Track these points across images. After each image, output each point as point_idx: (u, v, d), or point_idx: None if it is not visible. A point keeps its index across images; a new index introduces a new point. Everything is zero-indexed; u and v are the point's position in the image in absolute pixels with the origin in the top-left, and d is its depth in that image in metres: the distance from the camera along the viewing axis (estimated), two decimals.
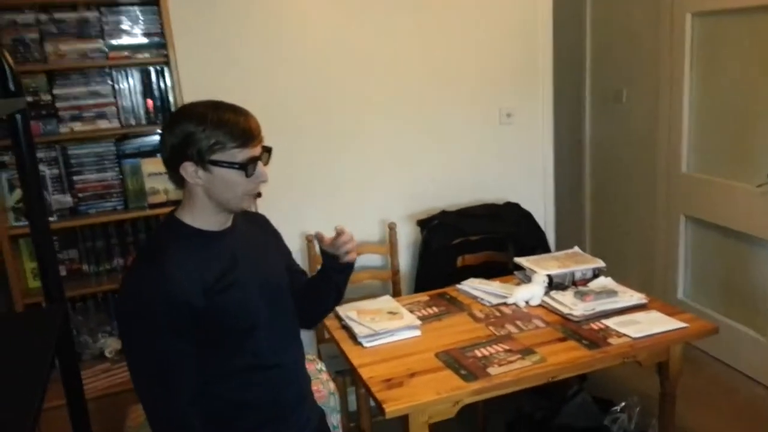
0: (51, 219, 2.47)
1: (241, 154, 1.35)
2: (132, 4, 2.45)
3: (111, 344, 2.69)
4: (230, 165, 1.34)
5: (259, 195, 1.44)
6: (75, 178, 2.54)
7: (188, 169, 1.35)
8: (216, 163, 1.34)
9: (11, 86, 1.08)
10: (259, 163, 1.39)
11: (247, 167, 1.35)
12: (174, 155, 1.35)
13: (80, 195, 2.56)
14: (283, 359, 1.54)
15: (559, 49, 3.29)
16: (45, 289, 1.26)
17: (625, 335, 2.11)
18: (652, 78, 3.55)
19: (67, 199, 2.52)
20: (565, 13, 3.63)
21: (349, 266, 1.66)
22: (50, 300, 1.26)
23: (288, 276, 1.63)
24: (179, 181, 1.40)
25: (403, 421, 1.90)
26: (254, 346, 1.46)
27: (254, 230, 1.58)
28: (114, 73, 2.51)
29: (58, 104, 2.45)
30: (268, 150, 1.43)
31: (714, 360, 3.30)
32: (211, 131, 1.32)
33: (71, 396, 1.27)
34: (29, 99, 2.38)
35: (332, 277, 1.67)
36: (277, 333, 1.52)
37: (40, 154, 2.47)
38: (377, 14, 2.89)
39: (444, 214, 3.02)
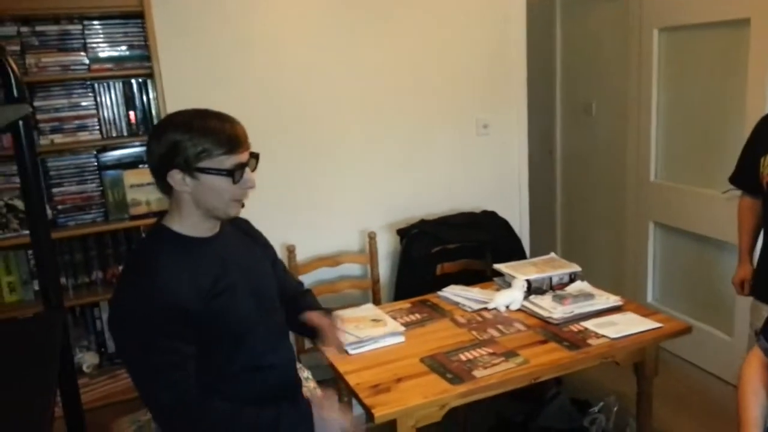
0: (28, 231, 2.45)
1: (228, 161, 1.36)
2: (115, 17, 2.46)
3: (89, 359, 2.66)
4: (218, 172, 1.36)
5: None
6: (54, 190, 2.52)
7: (175, 177, 1.36)
8: (203, 171, 1.36)
9: (15, 93, 1.09)
10: (247, 170, 1.40)
11: (234, 173, 1.37)
12: (161, 164, 1.36)
13: (59, 207, 2.54)
14: (276, 359, 1.57)
15: (531, 63, 3.40)
16: (44, 295, 1.26)
17: (603, 336, 2.19)
18: (620, 91, 3.67)
19: (46, 212, 2.49)
20: (536, 29, 3.74)
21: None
22: (48, 307, 1.26)
23: (275, 277, 1.66)
24: (166, 190, 1.40)
25: (389, 428, 1.92)
26: (248, 348, 1.48)
27: (239, 235, 1.60)
28: (96, 85, 2.51)
29: (38, 116, 2.44)
30: (255, 156, 1.45)
31: (684, 362, 3.40)
32: (198, 139, 1.34)
33: (69, 404, 1.27)
34: None
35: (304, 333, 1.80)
36: (268, 334, 1.55)
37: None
38: (357, 28, 2.95)
39: (423, 223, 3.07)
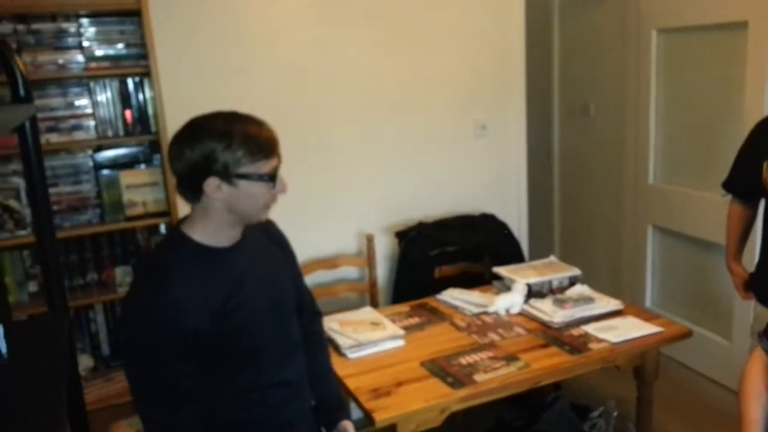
0: (23, 232, 2.43)
1: (266, 166, 1.34)
2: (112, 15, 2.43)
3: (84, 362, 2.63)
4: (258, 177, 1.33)
5: None
6: (50, 190, 2.48)
7: (212, 185, 1.31)
8: (243, 177, 1.32)
9: (22, 92, 1.05)
10: (280, 173, 1.39)
11: (274, 178, 1.36)
12: (194, 171, 1.31)
13: (55, 208, 2.50)
14: (287, 376, 1.51)
15: (529, 64, 3.38)
16: (48, 297, 1.23)
17: (604, 340, 2.17)
18: (618, 92, 3.67)
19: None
20: (534, 29, 3.73)
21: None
22: (52, 308, 1.24)
23: (293, 285, 1.60)
24: (193, 197, 1.35)
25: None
26: (258, 365, 1.44)
27: (262, 239, 1.54)
28: (91, 84, 2.48)
29: None
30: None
31: (682, 366, 3.39)
32: (237, 146, 1.30)
33: (73, 406, 1.25)
34: None
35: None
36: (281, 350, 1.49)
37: (13, 166, 2.42)
38: (354, 27, 2.92)
39: (421, 226, 3.05)
